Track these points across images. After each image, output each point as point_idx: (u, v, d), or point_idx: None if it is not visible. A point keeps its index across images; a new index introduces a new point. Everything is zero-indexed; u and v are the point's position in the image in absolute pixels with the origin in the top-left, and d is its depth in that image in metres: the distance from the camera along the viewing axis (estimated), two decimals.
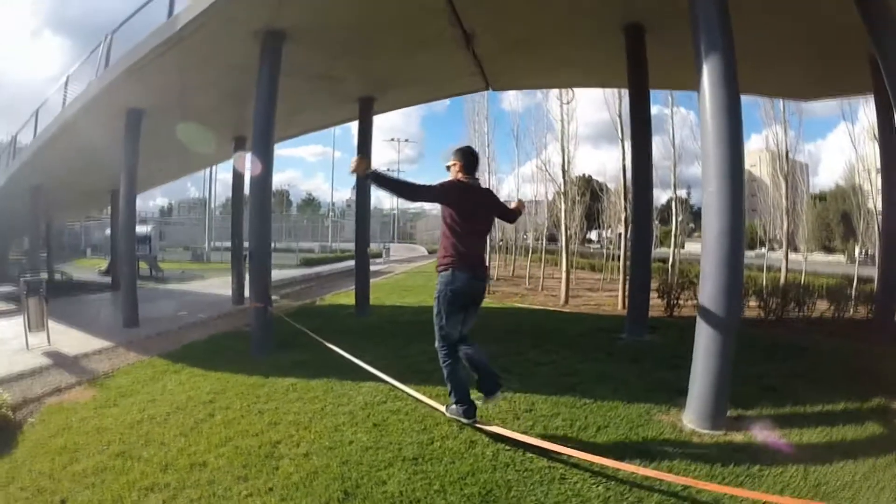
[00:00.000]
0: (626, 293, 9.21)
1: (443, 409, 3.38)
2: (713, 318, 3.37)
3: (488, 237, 3.27)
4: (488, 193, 3.33)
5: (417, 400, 3.73)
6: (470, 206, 3.02)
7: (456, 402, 3.16)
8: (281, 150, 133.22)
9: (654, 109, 9.71)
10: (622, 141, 9.56)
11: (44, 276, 8.77)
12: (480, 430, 3.16)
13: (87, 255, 29.09)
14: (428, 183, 3.14)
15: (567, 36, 6.65)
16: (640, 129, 6.74)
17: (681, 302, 8.43)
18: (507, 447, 2.94)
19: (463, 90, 9.27)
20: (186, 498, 2.51)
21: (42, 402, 4.33)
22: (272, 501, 2.44)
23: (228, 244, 15.00)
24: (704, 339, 3.42)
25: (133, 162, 7.58)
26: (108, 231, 23.65)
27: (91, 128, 7.90)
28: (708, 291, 3.43)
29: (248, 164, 6.91)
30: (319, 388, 4.19)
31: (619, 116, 9.63)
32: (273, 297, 10.93)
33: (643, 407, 3.63)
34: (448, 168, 3.20)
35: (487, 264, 3.27)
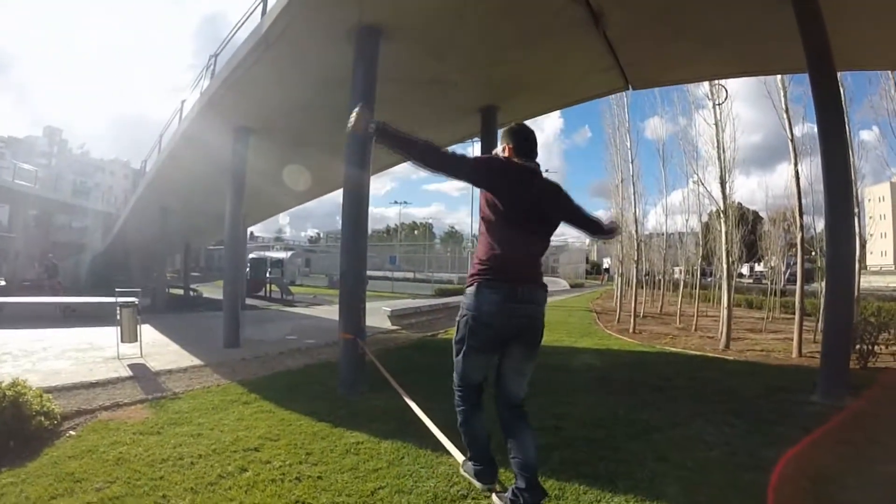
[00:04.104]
0: (802, 336, 7.16)
1: None
2: None
3: (545, 247, 2.24)
4: (553, 186, 2.26)
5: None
6: (518, 191, 2.11)
7: (470, 459, 2.50)
8: (428, 185, 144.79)
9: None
10: (791, 143, 7.31)
11: (138, 290, 9.13)
12: None
13: None
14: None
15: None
16: (829, 114, 4.88)
17: (877, 349, 5.93)
18: None
19: (599, 91, 7.82)
20: None
21: (95, 415, 3.98)
22: None
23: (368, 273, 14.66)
24: None
25: (241, 181, 7.65)
26: (251, 255, 26.50)
27: (202, 147, 8.22)
28: None
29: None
30: (387, 455, 3.11)
31: (786, 111, 7.35)
32: (395, 327, 10.72)
33: None
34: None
35: (545, 282, 2.20)
